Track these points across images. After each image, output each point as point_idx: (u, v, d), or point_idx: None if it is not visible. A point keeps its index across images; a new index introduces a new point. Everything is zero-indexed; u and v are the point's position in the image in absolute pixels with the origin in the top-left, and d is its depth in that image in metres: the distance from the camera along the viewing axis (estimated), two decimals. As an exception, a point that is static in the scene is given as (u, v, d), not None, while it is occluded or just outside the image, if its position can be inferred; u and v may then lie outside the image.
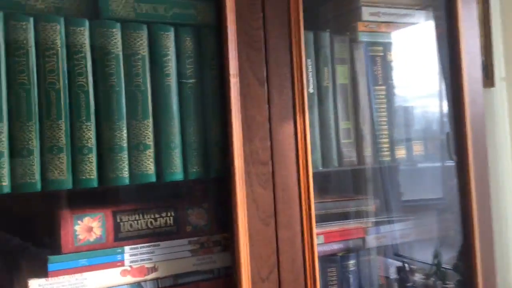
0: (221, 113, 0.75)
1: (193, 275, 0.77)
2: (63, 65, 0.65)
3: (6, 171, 0.62)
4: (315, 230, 0.78)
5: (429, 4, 0.99)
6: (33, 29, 0.64)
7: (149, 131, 0.71)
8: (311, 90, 0.85)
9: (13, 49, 0.63)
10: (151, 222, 0.75)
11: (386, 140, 0.93)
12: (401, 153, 0.94)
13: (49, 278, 0.67)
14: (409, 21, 0.96)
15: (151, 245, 0.74)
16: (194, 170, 0.74)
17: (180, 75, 0.73)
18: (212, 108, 0.75)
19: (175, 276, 0.76)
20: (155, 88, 0.72)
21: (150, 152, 0.71)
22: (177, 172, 0.72)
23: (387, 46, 0.94)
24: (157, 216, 0.76)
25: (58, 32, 0.65)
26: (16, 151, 0.63)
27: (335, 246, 0.91)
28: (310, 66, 0.86)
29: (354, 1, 0.92)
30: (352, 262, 0.90)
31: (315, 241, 0.78)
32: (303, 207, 0.78)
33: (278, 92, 0.77)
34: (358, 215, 0.93)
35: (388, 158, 0.93)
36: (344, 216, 0.92)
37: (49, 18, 0.65)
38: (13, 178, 0.62)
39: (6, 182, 0.62)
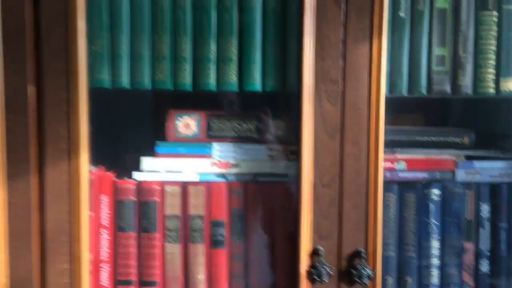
0: (297, 34, 0.82)
1: (270, 176, 0.90)
2: (169, -11, 0.83)
3: (126, 71, 0.83)
4: (382, 150, 0.81)
5: None
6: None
7: (234, 47, 0.83)
8: (402, 14, 0.85)
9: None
10: (236, 127, 0.90)
11: (492, 70, 0.85)
12: (509, 86, 0.85)
13: (156, 158, 0.89)
14: None
15: (235, 145, 0.89)
16: (271, 83, 0.84)
17: (264, -2, 0.83)
18: (292, 28, 0.83)
19: (254, 174, 0.90)
20: (241, 10, 0.83)
21: (234, 65, 0.84)
22: (256, 83, 0.84)
23: (505, -34, 0.85)
24: (241, 122, 0.89)
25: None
26: (134, 57, 0.83)
27: (419, 175, 0.90)
28: (403, -14, 0.85)
29: None
30: (435, 191, 0.89)
31: (381, 161, 0.81)
32: (372, 127, 0.81)
33: (355, 14, 0.80)
34: (449, 146, 0.89)
35: (491, 90, 0.86)
36: (432, 146, 0.90)
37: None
38: (131, 77, 0.84)
39: (126, 80, 0.83)
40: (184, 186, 0.89)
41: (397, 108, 0.97)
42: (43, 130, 0.77)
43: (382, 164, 0.81)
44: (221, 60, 0.84)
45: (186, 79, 0.84)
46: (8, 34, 0.75)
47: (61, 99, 0.77)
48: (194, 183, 0.89)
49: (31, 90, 0.76)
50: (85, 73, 0.78)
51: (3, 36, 0.75)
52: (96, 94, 0.82)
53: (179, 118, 0.89)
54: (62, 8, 0.76)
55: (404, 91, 0.86)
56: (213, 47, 0.83)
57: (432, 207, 0.88)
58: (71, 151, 0.79)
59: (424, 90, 0.86)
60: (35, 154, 0.77)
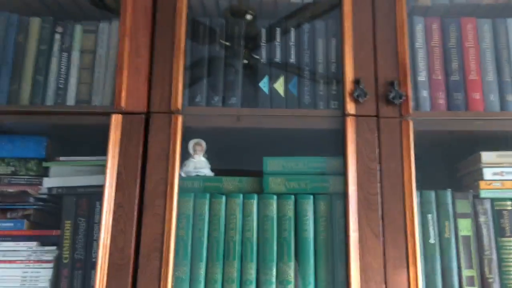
0: (345, 260, 0.98)
1: None
2: (239, 225, 1.03)
3: (201, 292, 1.00)
4: None
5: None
6: (224, 202, 1.05)
7: (291, 270, 1.00)
8: (432, 241, 1.01)
9: (212, 216, 1.04)
10: None
11: (518, 290, 0.97)
12: (535, 302, 0.96)
13: None
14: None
15: None
16: (323, 303, 0.98)
17: (315, 231, 1.02)
18: (339, 256, 1.00)
19: None
20: (297, 240, 1.02)
21: (291, 286, 0.99)
22: (311, 303, 0.98)
23: (516, 200, 1.03)
24: (298, 336, 1.01)
25: (238, 204, 1.04)
26: (208, 281, 1.00)
27: None
28: (430, 220, 1.02)
29: (475, 163, 1.07)
30: None
31: None
32: None
33: (392, 244, 0.97)
34: None
35: (521, 308, 0.96)
36: None
37: (234, 195, 1.05)
38: (206, 297, 1.00)
39: (201, 300, 0.99)
40: None
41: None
42: None
43: None
44: (280, 283, 1.00)
45: (252, 299, 1.00)
46: (112, 270, 0.96)
47: (151, 322, 0.93)
48: None
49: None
50: (171, 298, 0.95)
51: (108, 270, 0.96)
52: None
53: (243, 332, 1.02)
54: (157, 244, 0.97)
55: (441, 309, 0.98)
56: (274, 271, 1.00)
57: None
58: None
59: (459, 308, 0.98)
60: None
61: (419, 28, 1.10)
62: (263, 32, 1.15)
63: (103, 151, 1.06)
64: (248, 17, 1.30)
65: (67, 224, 1.08)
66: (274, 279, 1.00)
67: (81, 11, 1.22)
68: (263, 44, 1.14)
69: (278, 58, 1.13)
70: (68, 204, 1.09)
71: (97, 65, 1.15)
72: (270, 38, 1.14)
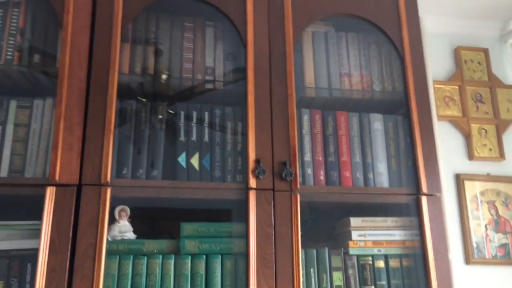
0: None
1: None
2: (158, 282, 1.22)
3: None
4: None
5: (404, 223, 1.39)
6: (145, 263, 1.23)
7: (202, 319, 1.21)
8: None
9: (135, 275, 1.22)
10: None
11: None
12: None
13: None
14: (392, 238, 1.36)
15: None
16: None
17: (222, 285, 1.24)
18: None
19: None
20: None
21: (202, 332, 1.20)
22: None
23: (374, 257, 1.34)
24: None
25: (157, 264, 1.23)
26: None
27: None
28: (312, 273, 1.30)
29: (346, 226, 1.37)
30: None
31: None
32: None
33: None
34: None
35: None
36: None
37: (155, 256, 1.24)
38: None
39: None
40: None
41: None
42: None
43: None
44: (193, 330, 1.20)
45: None
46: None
47: None
48: None
49: None
50: None
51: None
52: None
53: None
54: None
55: None
56: (188, 319, 1.21)
57: None
58: None
59: None
60: None
61: (305, 118, 1.40)
62: (182, 114, 1.37)
63: (33, 216, 1.20)
64: (164, 76, 1.52)
65: (0, 284, 1.18)
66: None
67: (17, 87, 1.35)
68: (181, 124, 1.36)
69: (194, 137, 1.35)
70: (1, 266, 1.20)
71: (30, 138, 1.28)
72: (188, 120, 1.37)
